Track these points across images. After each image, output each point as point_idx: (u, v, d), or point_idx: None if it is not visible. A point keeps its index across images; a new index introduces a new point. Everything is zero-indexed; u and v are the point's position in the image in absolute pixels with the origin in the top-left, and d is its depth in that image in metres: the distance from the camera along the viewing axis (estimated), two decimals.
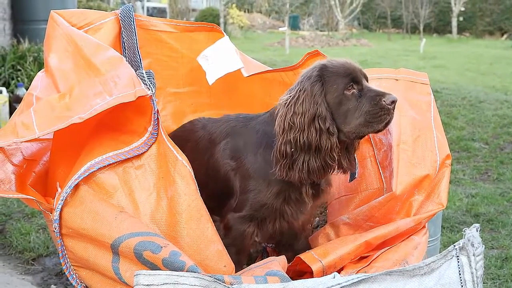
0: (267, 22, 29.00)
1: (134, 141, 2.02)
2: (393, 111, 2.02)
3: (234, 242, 2.17)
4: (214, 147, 2.29)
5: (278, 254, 2.43)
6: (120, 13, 2.40)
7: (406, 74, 2.51)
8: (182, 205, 1.94)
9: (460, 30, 25.69)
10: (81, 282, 1.99)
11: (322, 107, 2.01)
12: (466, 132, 6.44)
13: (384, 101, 2.00)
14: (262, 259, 2.31)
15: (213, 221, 1.99)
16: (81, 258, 1.94)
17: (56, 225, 1.94)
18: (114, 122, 2.08)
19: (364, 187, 2.40)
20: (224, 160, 2.24)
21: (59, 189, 2.04)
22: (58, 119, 1.92)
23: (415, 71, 2.54)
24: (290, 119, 2.01)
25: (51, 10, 2.30)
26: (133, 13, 2.43)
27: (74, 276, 1.99)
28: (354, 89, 2.04)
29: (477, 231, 1.74)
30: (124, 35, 2.35)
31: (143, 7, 21.93)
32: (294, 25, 25.70)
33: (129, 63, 2.14)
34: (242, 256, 2.28)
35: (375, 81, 2.47)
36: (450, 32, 25.29)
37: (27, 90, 2.34)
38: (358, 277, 1.67)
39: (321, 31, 24.64)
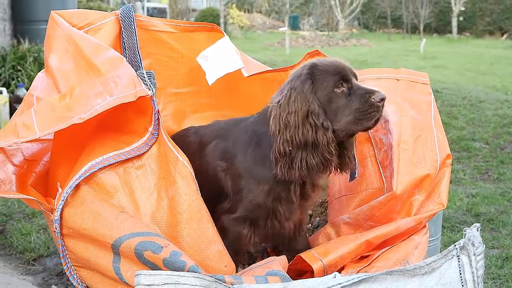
0: (267, 22, 29.00)
1: (135, 141, 2.02)
2: (382, 108, 2.03)
3: (231, 244, 2.16)
4: (203, 149, 2.29)
5: (278, 254, 2.42)
6: (120, 14, 2.40)
7: (406, 74, 2.51)
8: (183, 205, 1.94)
9: (460, 30, 25.68)
10: (82, 282, 1.99)
11: (314, 104, 2.02)
12: (466, 132, 6.44)
13: (373, 98, 2.01)
14: (263, 259, 2.31)
15: None
16: (82, 258, 1.94)
17: (57, 225, 1.94)
18: (114, 123, 2.08)
19: (364, 186, 2.40)
20: (214, 161, 2.24)
21: (59, 189, 2.04)
22: (58, 120, 1.92)
23: (415, 71, 2.54)
24: (285, 118, 2.02)
25: (51, 11, 2.31)
26: (133, 13, 2.43)
27: (75, 276, 1.99)
28: (344, 87, 2.05)
29: (477, 230, 1.74)
30: (124, 36, 2.35)
31: (143, 7, 21.93)
32: (294, 25, 25.71)
33: (129, 63, 2.14)
34: (239, 257, 2.28)
35: (375, 80, 2.47)
36: (450, 32, 25.28)
37: (27, 90, 2.34)
38: (358, 277, 1.67)
39: (321, 31, 24.64)
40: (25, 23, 7.41)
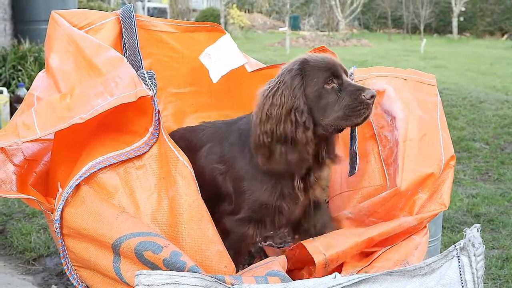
0: (268, 22, 28.99)
1: (135, 142, 2.02)
2: (372, 106, 2.04)
3: (233, 245, 2.17)
4: (194, 154, 2.27)
5: (278, 254, 2.42)
6: (120, 14, 2.40)
7: (414, 75, 2.52)
8: (183, 205, 1.94)
9: (461, 30, 25.67)
10: (82, 282, 1.99)
11: (300, 100, 2.02)
12: (466, 133, 6.44)
13: (363, 95, 2.01)
14: (261, 259, 2.31)
15: None
16: (82, 258, 1.94)
17: (57, 225, 1.95)
18: (115, 123, 2.08)
19: (366, 183, 2.40)
20: (211, 165, 2.24)
21: (60, 189, 2.05)
22: (59, 120, 1.92)
23: (422, 72, 2.55)
24: (267, 110, 2.03)
25: (52, 11, 2.31)
26: (134, 14, 2.43)
27: (75, 276, 1.99)
28: (334, 83, 2.06)
29: (477, 231, 1.74)
30: (125, 36, 2.35)
31: (143, 8, 21.93)
32: (295, 25, 25.69)
33: (130, 63, 2.15)
34: (240, 257, 2.28)
35: (384, 78, 2.48)
36: (451, 32, 25.28)
37: (28, 90, 2.34)
38: (358, 277, 1.67)
39: (321, 31, 24.64)
40: (25, 23, 7.41)
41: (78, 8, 7.00)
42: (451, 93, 8.42)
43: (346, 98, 2.02)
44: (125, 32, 2.36)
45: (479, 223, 3.67)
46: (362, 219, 2.27)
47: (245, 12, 28.77)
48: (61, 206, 1.94)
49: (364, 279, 1.66)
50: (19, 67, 6.43)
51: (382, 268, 1.99)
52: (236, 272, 1.97)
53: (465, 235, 1.73)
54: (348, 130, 2.26)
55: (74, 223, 1.92)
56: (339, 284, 1.66)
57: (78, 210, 1.93)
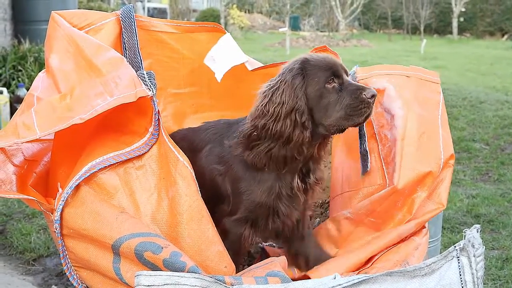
0: (268, 23, 28.99)
1: (135, 142, 2.02)
2: (373, 105, 2.04)
3: (232, 245, 2.16)
4: (196, 155, 2.28)
5: (278, 254, 2.42)
6: (120, 14, 2.40)
7: (417, 72, 2.50)
8: (183, 206, 1.94)
9: (461, 31, 25.68)
10: (82, 282, 1.99)
11: (302, 101, 2.03)
12: (466, 133, 6.44)
13: (364, 95, 2.02)
14: (262, 259, 2.31)
15: None
16: (82, 258, 1.94)
17: (57, 225, 1.94)
18: (115, 123, 2.08)
19: (367, 183, 2.39)
20: (210, 166, 2.24)
21: (60, 190, 2.04)
22: (59, 120, 1.92)
23: (426, 70, 2.53)
24: (265, 107, 2.04)
25: (52, 11, 2.31)
26: (134, 14, 2.43)
27: (75, 277, 1.99)
28: (335, 82, 2.06)
29: (477, 232, 1.74)
30: (125, 36, 2.35)
31: (143, 8, 21.95)
32: (295, 26, 25.70)
33: (130, 64, 2.14)
34: (239, 257, 2.28)
35: (385, 76, 2.46)
36: (451, 32, 25.28)
37: (28, 90, 2.34)
38: (358, 278, 1.67)
39: (321, 31, 24.65)
40: (25, 23, 7.42)
41: (78, 9, 7.02)
42: (451, 93, 8.42)
43: (347, 97, 2.03)
44: (125, 33, 2.36)
45: (479, 224, 3.65)
46: (361, 218, 2.27)
47: (245, 12, 28.78)
48: (61, 207, 1.94)
49: (364, 279, 1.66)
50: (19, 67, 6.43)
51: (382, 268, 1.98)
52: (236, 272, 1.96)
53: (465, 236, 1.73)
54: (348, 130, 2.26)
55: (74, 224, 1.92)
56: (339, 284, 1.66)
57: (78, 211, 1.93)
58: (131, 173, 2.00)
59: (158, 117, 2.03)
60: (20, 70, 6.40)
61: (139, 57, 2.28)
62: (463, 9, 25.22)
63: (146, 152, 2.01)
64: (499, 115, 7.15)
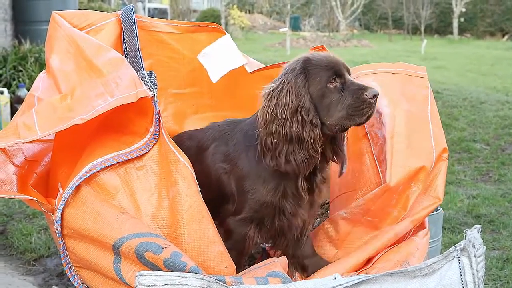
0: (268, 23, 29.00)
1: (136, 142, 2.02)
2: (375, 104, 2.03)
3: (236, 245, 2.16)
4: (202, 154, 2.28)
5: (279, 254, 2.42)
6: (121, 14, 2.41)
7: (403, 68, 2.50)
8: (184, 206, 1.94)
9: (461, 31, 25.68)
10: (82, 283, 1.99)
11: (306, 98, 2.02)
12: (467, 133, 6.44)
13: (366, 94, 2.01)
14: (262, 259, 2.31)
15: None
16: (83, 259, 1.94)
17: (58, 226, 1.95)
18: (115, 123, 2.08)
19: (363, 183, 2.39)
20: (216, 164, 2.23)
21: (60, 190, 2.05)
22: (60, 120, 1.92)
23: (412, 65, 2.53)
24: (273, 110, 2.02)
25: (53, 11, 2.31)
26: (134, 14, 2.43)
27: (76, 277, 1.99)
28: (337, 82, 2.05)
29: (478, 232, 1.74)
30: (126, 36, 2.36)
31: (144, 8, 21.94)
32: (295, 26, 25.69)
33: (130, 64, 2.15)
34: (243, 258, 2.28)
35: (371, 75, 2.46)
36: (451, 33, 25.28)
37: (28, 91, 2.34)
38: (359, 278, 1.67)
39: (322, 32, 24.64)
40: (26, 23, 7.43)
41: (79, 9, 7.02)
42: (452, 94, 8.42)
43: (348, 97, 2.02)
44: (125, 33, 2.36)
45: (480, 224, 3.67)
46: (357, 218, 2.27)
47: (246, 12, 28.78)
48: (61, 207, 1.94)
49: (364, 279, 1.66)
50: (20, 68, 6.44)
51: (383, 269, 1.98)
52: (238, 272, 1.96)
53: (465, 236, 1.73)
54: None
55: (75, 224, 1.92)
56: (340, 285, 1.66)
57: (78, 211, 1.93)
58: (131, 173, 2.00)
59: (159, 118, 2.03)
60: (21, 71, 6.40)
61: (139, 58, 2.28)
62: (464, 10, 25.22)
63: (146, 153, 2.02)
64: (499, 115, 7.15)
